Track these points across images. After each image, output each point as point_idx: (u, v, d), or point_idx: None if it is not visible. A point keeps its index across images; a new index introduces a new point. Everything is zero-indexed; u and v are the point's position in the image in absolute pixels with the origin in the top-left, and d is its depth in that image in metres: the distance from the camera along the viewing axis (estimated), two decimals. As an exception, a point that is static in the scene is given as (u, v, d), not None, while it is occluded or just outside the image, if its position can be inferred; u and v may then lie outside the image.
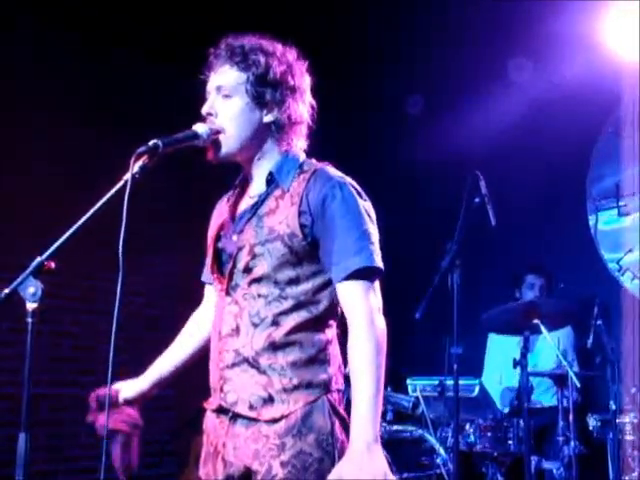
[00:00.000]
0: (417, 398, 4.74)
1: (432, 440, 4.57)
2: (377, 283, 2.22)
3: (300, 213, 2.19)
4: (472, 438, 4.55)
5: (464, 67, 6.09)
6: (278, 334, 2.18)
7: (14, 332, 4.63)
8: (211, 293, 2.52)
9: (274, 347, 2.18)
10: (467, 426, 4.57)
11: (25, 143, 4.99)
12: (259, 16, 5.44)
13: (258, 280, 2.21)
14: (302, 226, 2.18)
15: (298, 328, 2.19)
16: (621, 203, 5.87)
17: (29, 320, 1.93)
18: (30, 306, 1.93)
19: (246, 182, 2.39)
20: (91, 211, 2.03)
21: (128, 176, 2.04)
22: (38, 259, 1.96)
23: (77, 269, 5.04)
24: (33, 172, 4.96)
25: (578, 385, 4.43)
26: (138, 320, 5.43)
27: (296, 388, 2.17)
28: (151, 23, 5.50)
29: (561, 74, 5.80)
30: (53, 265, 1.96)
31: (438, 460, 4.49)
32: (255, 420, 2.18)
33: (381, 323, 2.16)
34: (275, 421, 2.15)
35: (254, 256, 2.21)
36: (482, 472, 4.65)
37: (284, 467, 2.12)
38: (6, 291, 1.93)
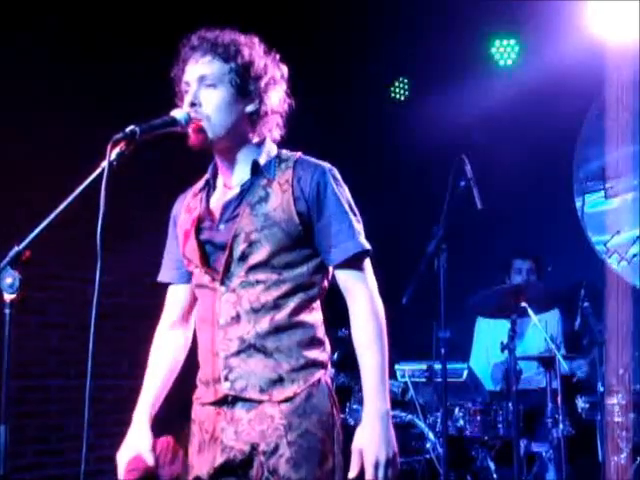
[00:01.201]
0: (406, 383, 4.75)
1: (421, 425, 4.57)
2: (370, 264, 2.35)
3: (295, 200, 2.27)
4: (461, 422, 4.55)
5: (448, 51, 6.08)
6: (281, 316, 2.24)
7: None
8: (175, 291, 2.53)
9: (278, 330, 2.24)
10: (456, 410, 4.57)
11: (24, 142, 4.97)
12: (247, 3, 5.43)
13: (255, 267, 2.25)
14: (299, 213, 2.26)
15: (298, 310, 2.27)
16: (607, 185, 5.87)
17: (7, 312, 1.92)
18: (8, 297, 1.92)
19: (216, 175, 2.42)
20: (68, 200, 2.02)
21: (105, 164, 2.02)
22: (15, 249, 1.95)
23: (65, 260, 5.02)
24: (31, 167, 4.94)
25: (566, 368, 4.45)
26: (125, 309, 5.41)
27: (303, 368, 2.25)
28: (151, 20, 5.46)
29: (546, 57, 5.79)
30: (29, 254, 1.94)
31: (428, 445, 4.49)
32: (258, 402, 2.22)
33: (380, 302, 2.31)
34: (287, 400, 2.21)
35: (250, 243, 2.25)
36: (472, 456, 4.66)
37: (291, 446, 2.18)
38: (-19, 282, 1.90)
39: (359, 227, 2.33)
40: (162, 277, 2.57)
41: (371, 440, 2.18)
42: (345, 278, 2.31)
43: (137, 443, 2.36)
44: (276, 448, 2.18)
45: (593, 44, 5.58)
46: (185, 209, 2.45)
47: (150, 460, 2.33)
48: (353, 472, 2.18)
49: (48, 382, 5.19)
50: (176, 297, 2.53)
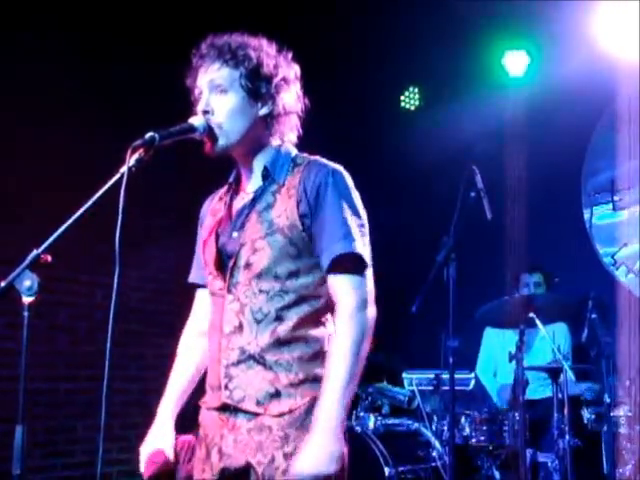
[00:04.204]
0: (413, 392, 4.75)
1: (428, 433, 4.58)
2: (369, 272, 2.25)
3: (298, 203, 2.23)
4: (468, 431, 4.55)
5: (460, 60, 6.10)
6: (283, 329, 2.20)
7: (11, 327, 4.63)
8: (203, 296, 2.50)
9: (280, 343, 2.20)
10: (462, 419, 4.58)
11: (24, 140, 4.99)
12: (253, 11, 5.45)
13: (259, 275, 2.22)
14: (301, 216, 2.22)
15: (302, 323, 2.22)
16: (616, 197, 5.88)
17: (25, 314, 1.92)
18: (26, 300, 1.92)
19: (239, 178, 2.41)
20: (87, 205, 2.02)
21: (124, 169, 2.03)
22: (34, 252, 1.95)
23: (74, 263, 5.04)
24: (31, 168, 4.96)
25: (574, 379, 4.46)
26: (136, 315, 5.44)
27: (302, 382, 2.20)
28: (146, 20, 5.48)
29: (557, 68, 5.81)
30: (49, 258, 1.95)
31: (434, 453, 4.50)
32: (258, 415, 2.20)
33: (367, 315, 2.20)
34: (282, 415, 2.18)
35: (255, 251, 2.23)
36: (477, 465, 4.67)
37: (287, 459, 2.14)
38: (2, 284, 1.91)
39: (356, 232, 2.22)
40: (191, 278, 2.55)
41: (308, 453, 2.09)
42: (332, 283, 2.22)
43: (159, 439, 2.38)
44: (272, 460, 2.15)
45: (603, 56, 5.60)
46: (211, 212, 2.45)
47: (170, 456, 2.36)
48: None
49: (57, 385, 5.21)
50: (203, 300, 2.50)
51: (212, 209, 2.45)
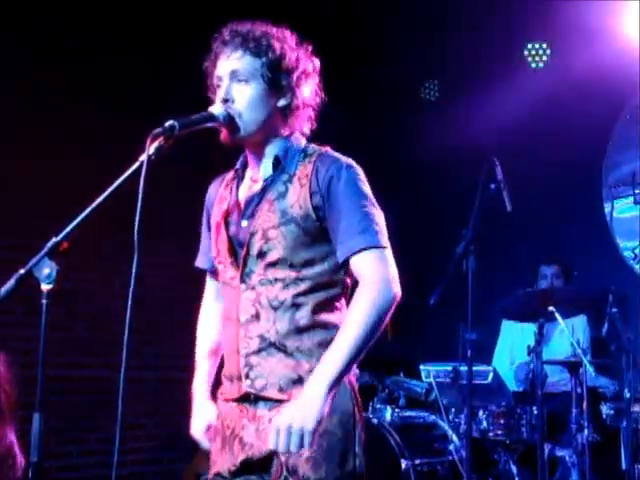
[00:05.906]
0: (430, 384, 4.73)
1: (445, 426, 4.56)
2: (389, 253, 2.23)
3: (312, 195, 2.24)
4: (485, 425, 4.52)
5: (480, 52, 6.05)
6: (301, 316, 2.22)
7: (29, 315, 4.64)
8: (212, 281, 2.56)
9: (299, 330, 2.22)
10: (480, 413, 4.55)
11: (40, 126, 5.00)
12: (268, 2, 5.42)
13: (273, 264, 2.23)
14: (315, 207, 2.23)
15: (319, 309, 2.24)
16: (637, 191, 5.81)
17: (43, 301, 1.92)
18: (45, 287, 1.93)
19: (246, 166, 2.41)
20: (106, 192, 2.02)
21: (144, 157, 2.02)
22: (53, 240, 1.95)
23: (93, 251, 5.05)
24: (47, 155, 4.97)
25: (593, 373, 4.42)
26: (153, 303, 5.44)
27: None
28: (159, 6, 5.48)
29: (578, 60, 5.75)
30: (67, 245, 1.95)
31: (450, 446, 4.48)
32: (281, 402, 2.20)
33: (387, 293, 2.17)
34: None
35: (267, 240, 2.23)
36: (494, 459, 4.64)
37: (311, 446, 2.13)
38: (21, 272, 1.92)
39: (372, 224, 2.22)
40: (198, 262, 2.61)
41: (286, 412, 2.08)
42: (355, 269, 2.22)
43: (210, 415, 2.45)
44: None
45: (626, 47, 5.54)
46: (218, 200, 2.45)
47: None
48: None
49: (74, 373, 5.23)
50: (212, 285, 2.58)
51: (220, 197, 2.45)
